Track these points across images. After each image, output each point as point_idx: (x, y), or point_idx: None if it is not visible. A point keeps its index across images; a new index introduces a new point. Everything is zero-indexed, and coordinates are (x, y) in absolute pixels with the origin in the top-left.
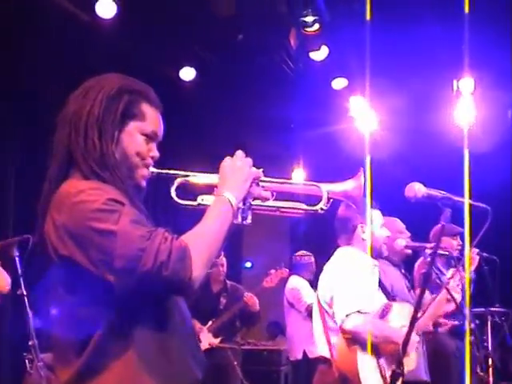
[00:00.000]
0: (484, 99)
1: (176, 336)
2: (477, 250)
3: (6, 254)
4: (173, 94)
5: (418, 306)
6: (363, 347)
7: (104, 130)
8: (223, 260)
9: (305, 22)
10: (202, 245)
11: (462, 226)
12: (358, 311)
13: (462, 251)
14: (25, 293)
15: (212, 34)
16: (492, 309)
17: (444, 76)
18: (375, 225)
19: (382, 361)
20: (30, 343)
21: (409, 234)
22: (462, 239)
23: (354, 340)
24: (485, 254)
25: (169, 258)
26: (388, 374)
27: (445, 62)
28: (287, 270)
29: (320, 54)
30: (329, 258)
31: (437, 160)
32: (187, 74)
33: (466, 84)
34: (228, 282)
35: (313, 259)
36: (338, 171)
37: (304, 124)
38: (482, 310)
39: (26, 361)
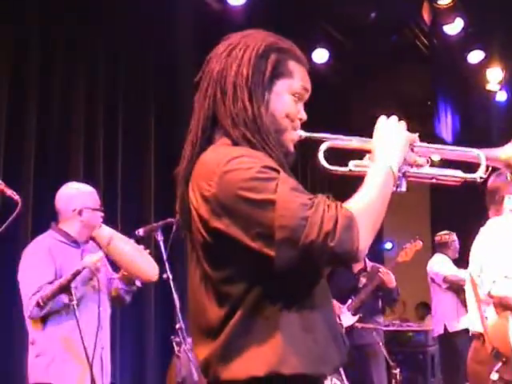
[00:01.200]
0: None
1: (320, 317)
2: None
3: (150, 239)
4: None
5: None
6: None
7: (254, 92)
8: None
9: None
10: (367, 214)
11: None
12: (506, 277)
13: None
14: (170, 277)
15: (344, 14)
16: None
17: None
18: None
19: None
20: (176, 326)
21: None
22: None
23: (503, 307)
24: None
25: (335, 227)
26: None
27: None
28: (421, 242)
29: (455, 28)
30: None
31: None
32: (320, 55)
33: None
34: (369, 262)
35: (455, 237)
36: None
37: (441, 100)
38: None
39: (174, 343)
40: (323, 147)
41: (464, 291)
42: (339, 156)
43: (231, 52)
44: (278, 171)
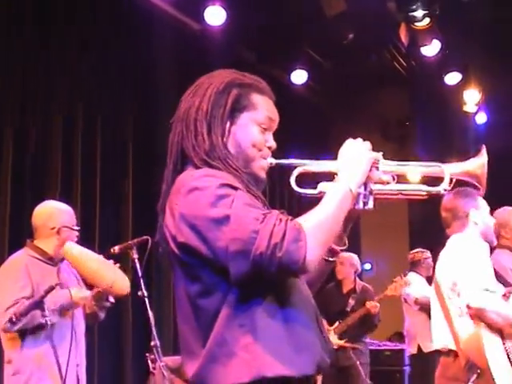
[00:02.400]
0: None
1: (299, 319)
2: None
3: (125, 257)
4: (284, 97)
5: None
6: (489, 330)
7: (213, 125)
8: (353, 259)
9: (414, 16)
10: (317, 228)
11: None
12: (486, 289)
13: None
14: (145, 294)
15: (322, 35)
16: None
17: None
18: (484, 211)
19: (508, 345)
20: (152, 344)
21: None
22: None
23: (479, 319)
24: None
25: (283, 239)
26: None
27: None
28: (409, 280)
29: (432, 49)
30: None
31: None
32: (299, 76)
33: None
34: (359, 282)
35: (428, 255)
36: None
37: (419, 121)
38: None
39: (149, 361)
40: (296, 172)
41: None
42: None
43: (197, 91)
44: (235, 188)
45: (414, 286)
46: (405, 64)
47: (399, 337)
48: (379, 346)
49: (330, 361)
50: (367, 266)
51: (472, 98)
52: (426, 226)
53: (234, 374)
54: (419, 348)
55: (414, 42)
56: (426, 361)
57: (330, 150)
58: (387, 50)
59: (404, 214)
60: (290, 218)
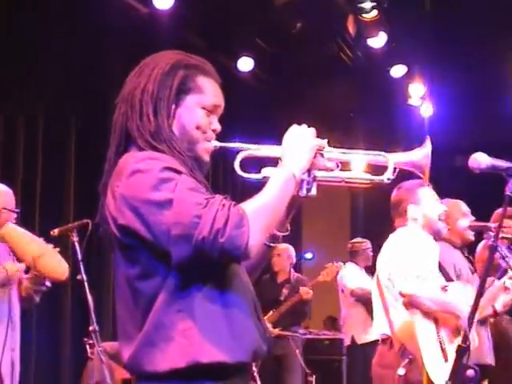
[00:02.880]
0: None
1: (238, 306)
2: None
3: (65, 240)
4: (230, 84)
5: (483, 285)
6: (423, 317)
7: (159, 106)
8: (290, 250)
9: (362, 8)
10: (260, 213)
11: None
12: (418, 276)
13: None
14: (85, 278)
15: (270, 23)
16: None
17: (504, 63)
18: (427, 202)
19: (442, 333)
20: (90, 328)
21: (473, 218)
22: None
23: (412, 306)
24: None
25: (225, 224)
26: (448, 347)
27: (506, 48)
28: (342, 264)
29: (378, 41)
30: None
31: (496, 149)
32: (245, 64)
33: None
34: (294, 273)
35: (369, 245)
36: None
37: (363, 113)
38: None
39: (87, 346)
40: (240, 156)
41: (372, 303)
42: None
43: (142, 72)
44: (179, 172)
45: (351, 277)
46: (351, 55)
47: (332, 321)
48: (318, 335)
49: (267, 349)
50: (308, 256)
51: (417, 91)
52: (368, 216)
53: (170, 358)
54: (353, 339)
55: (361, 33)
56: (359, 352)
57: (275, 139)
58: (334, 40)
59: (346, 203)
60: (233, 203)
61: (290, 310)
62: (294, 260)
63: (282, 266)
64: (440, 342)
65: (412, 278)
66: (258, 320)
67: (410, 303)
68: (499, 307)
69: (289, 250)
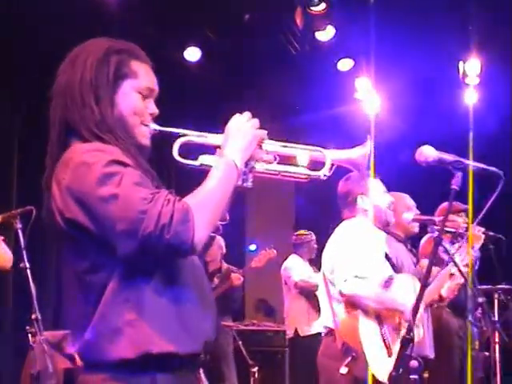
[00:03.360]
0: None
1: (188, 295)
2: (482, 229)
3: (8, 227)
4: (177, 74)
5: (427, 277)
6: (365, 315)
7: (99, 94)
8: (220, 241)
9: (311, 1)
10: (205, 207)
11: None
12: (356, 276)
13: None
14: (27, 266)
15: (218, 14)
16: (499, 286)
17: (450, 57)
18: (376, 193)
19: (385, 330)
20: (32, 317)
21: (418, 212)
22: (467, 216)
23: (353, 306)
24: (491, 233)
25: (171, 220)
26: (391, 342)
27: (451, 44)
28: (275, 252)
29: (326, 35)
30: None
31: (441, 142)
32: (192, 54)
33: (472, 65)
34: (225, 264)
35: (313, 237)
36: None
37: (309, 106)
38: (489, 287)
39: (29, 335)
40: (178, 142)
41: (316, 296)
42: None
43: (75, 62)
44: (125, 165)
45: (295, 268)
46: (299, 48)
47: (265, 304)
48: (259, 326)
49: (215, 335)
50: (252, 247)
51: (363, 85)
52: (312, 209)
53: (120, 349)
54: (296, 331)
55: (308, 26)
56: (302, 344)
57: (221, 129)
58: (282, 32)
59: (290, 195)
60: (177, 198)
61: (221, 298)
62: (224, 250)
63: (214, 255)
64: (383, 338)
65: (351, 279)
66: (208, 310)
67: (350, 303)
68: (445, 293)
69: (219, 240)
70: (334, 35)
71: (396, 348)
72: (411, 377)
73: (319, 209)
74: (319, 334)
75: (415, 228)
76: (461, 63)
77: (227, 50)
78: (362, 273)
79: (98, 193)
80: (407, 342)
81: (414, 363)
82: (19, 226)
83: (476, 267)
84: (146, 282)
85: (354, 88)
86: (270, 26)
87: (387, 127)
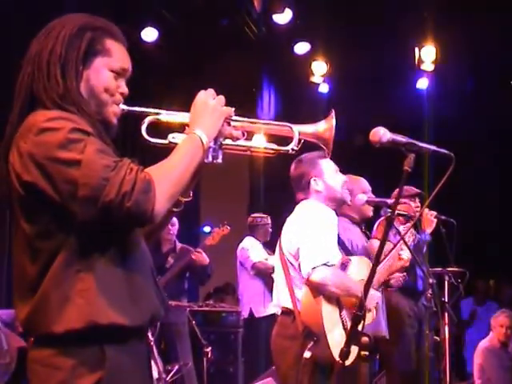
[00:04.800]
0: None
1: (138, 271)
2: (434, 213)
3: None
4: (134, 54)
5: (378, 259)
6: (327, 300)
7: (67, 68)
8: (174, 220)
9: None
10: (167, 179)
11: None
12: (325, 264)
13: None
14: None
15: None
16: (449, 269)
17: (406, 44)
18: (329, 173)
19: (344, 314)
20: None
21: (373, 196)
22: (421, 201)
23: (318, 292)
24: (443, 217)
25: (132, 189)
26: (349, 326)
27: (408, 30)
28: (228, 228)
29: (283, 17)
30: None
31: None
32: (149, 34)
33: (428, 52)
34: (179, 243)
35: (268, 221)
36: None
37: (265, 88)
38: (440, 269)
39: None
40: (146, 121)
41: (272, 279)
42: None
43: (49, 34)
44: (88, 133)
45: (252, 249)
46: (256, 30)
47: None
48: (214, 306)
49: (163, 313)
50: (206, 229)
51: (319, 69)
52: (267, 190)
53: (67, 318)
54: (251, 312)
55: (266, 8)
56: (257, 325)
57: (176, 110)
58: (240, 14)
59: (245, 177)
60: (140, 167)
61: (177, 275)
62: (177, 229)
63: (168, 235)
64: (343, 323)
65: (320, 266)
66: (155, 285)
67: (317, 290)
68: (394, 283)
69: (173, 219)
70: (292, 18)
71: None
72: (362, 353)
73: (274, 190)
74: (274, 315)
75: (369, 211)
76: (416, 49)
77: (184, 31)
78: (331, 260)
79: (61, 158)
80: (358, 318)
81: (364, 339)
82: None
83: (424, 250)
84: (99, 254)
85: (309, 71)
86: (228, 8)
87: (341, 111)
